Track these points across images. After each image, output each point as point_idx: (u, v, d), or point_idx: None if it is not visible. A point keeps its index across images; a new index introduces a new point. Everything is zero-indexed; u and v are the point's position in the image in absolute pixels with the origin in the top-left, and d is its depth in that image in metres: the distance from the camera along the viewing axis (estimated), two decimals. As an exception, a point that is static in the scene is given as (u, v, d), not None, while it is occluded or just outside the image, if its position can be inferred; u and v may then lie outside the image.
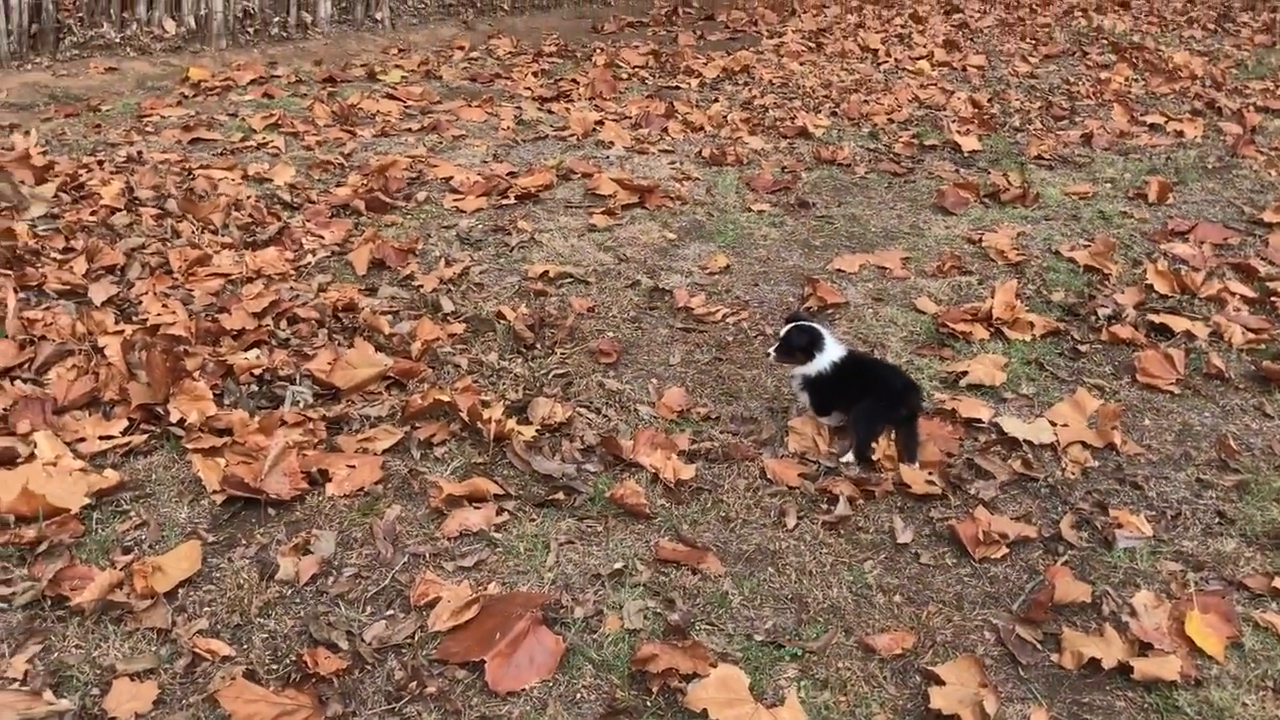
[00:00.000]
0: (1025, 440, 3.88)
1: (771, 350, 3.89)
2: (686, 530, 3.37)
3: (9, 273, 4.79)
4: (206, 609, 2.99)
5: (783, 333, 3.83)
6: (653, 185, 6.32)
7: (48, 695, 2.65)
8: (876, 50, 10.64)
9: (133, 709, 2.63)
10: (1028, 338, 4.63)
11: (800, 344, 3.77)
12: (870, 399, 3.70)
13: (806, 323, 3.85)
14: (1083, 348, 4.59)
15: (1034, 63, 10.39)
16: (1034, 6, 13.76)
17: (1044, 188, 6.60)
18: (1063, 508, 3.56)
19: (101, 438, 3.73)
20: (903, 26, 12.02)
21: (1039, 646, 2.97)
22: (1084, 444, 3.89)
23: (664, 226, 5.86)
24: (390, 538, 3.29)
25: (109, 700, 2.66)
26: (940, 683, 2.79)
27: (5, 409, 3.84)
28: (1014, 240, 5.71)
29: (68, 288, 4.75)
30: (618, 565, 3.18)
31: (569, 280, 5.15)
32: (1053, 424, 3.97)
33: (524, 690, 2.75)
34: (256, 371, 4.11)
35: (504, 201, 6.12)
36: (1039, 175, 6.88)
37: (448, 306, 4.78)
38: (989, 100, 8.76)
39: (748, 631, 2.97)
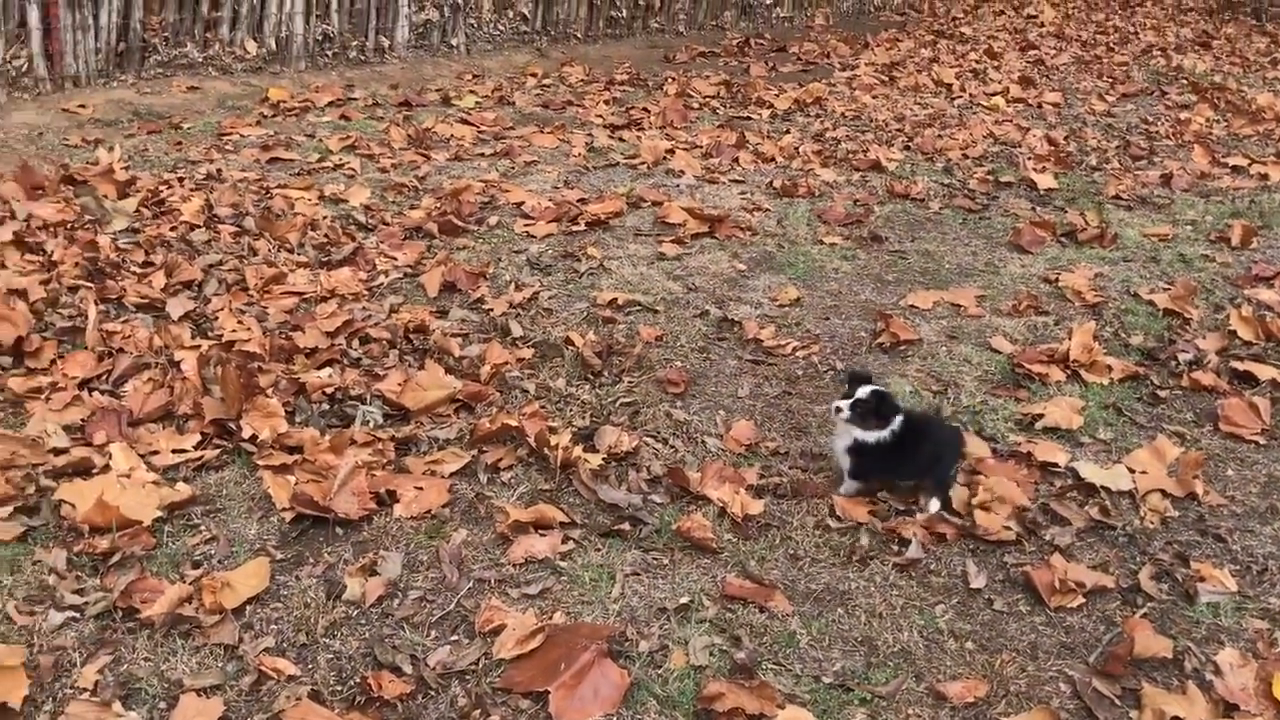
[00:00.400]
0: (1103, 486, 3.78)
1: (846, 408, 3.54)
2: (754, 567, 3.32)
3: (90, 285, 4.89)
4: (273, 627, 3.00)
5: (861, 393, 3.54)
6: (723, 215, 6.30)
7: (117, 707, 2.66)
8: (951, 85, 10.56)
9: (199, 723, 2.64)
10: (1106, 381, 4.53)
11: (885, 411, 3.54)
12: (949, 456, 3.66)
13: (882, 388, 3.64)
14: (1162, 393, 4.48)
15: (1111, 101, 10.25)
16: (1111, 45, 13.59)
17: (1122, 228, 6.48)
18: (1141, 558, 3.46)
19: (174, 451, 3.77)
20: (977, 62, 11.92)
21: (1117, 702, 2.87)
22: (1164, 493, 3.78)
23: (734, 257, 5.83)
24: (456, 562, 3.28)
25: (176, 715, 2.66)
26: (1014, 735, 2.72)
27: (83, 419, 3.90)
28: (1091, 281, 5.60)
29: (146, 301, 4.83)
30: (684, 600, 3.14)
31: (637, 308, 5.13)
32: (1131, 471, 3.87)
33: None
34: (328, 390, 4.14)
35: (574, 228, 6.14)
36: (1117, 215, 6.75)
37: (517, 331, 4.78)
38: (1065, 138, 8.64)
39: (816, 673, 2.91)
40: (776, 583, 3.24)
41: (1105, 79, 11.34)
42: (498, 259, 5.64)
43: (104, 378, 4.20)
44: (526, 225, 6.12)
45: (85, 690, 2.73)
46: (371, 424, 4.00)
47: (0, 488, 3.45)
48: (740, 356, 4.70)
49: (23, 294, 4.66)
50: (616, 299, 5.16)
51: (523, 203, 6.44)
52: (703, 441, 4.02)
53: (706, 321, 5.03)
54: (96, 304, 4.65)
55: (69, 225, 5.56)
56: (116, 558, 3.20)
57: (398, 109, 8.71)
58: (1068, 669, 2.98)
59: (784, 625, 3.08)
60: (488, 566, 3.29)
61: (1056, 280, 5.63)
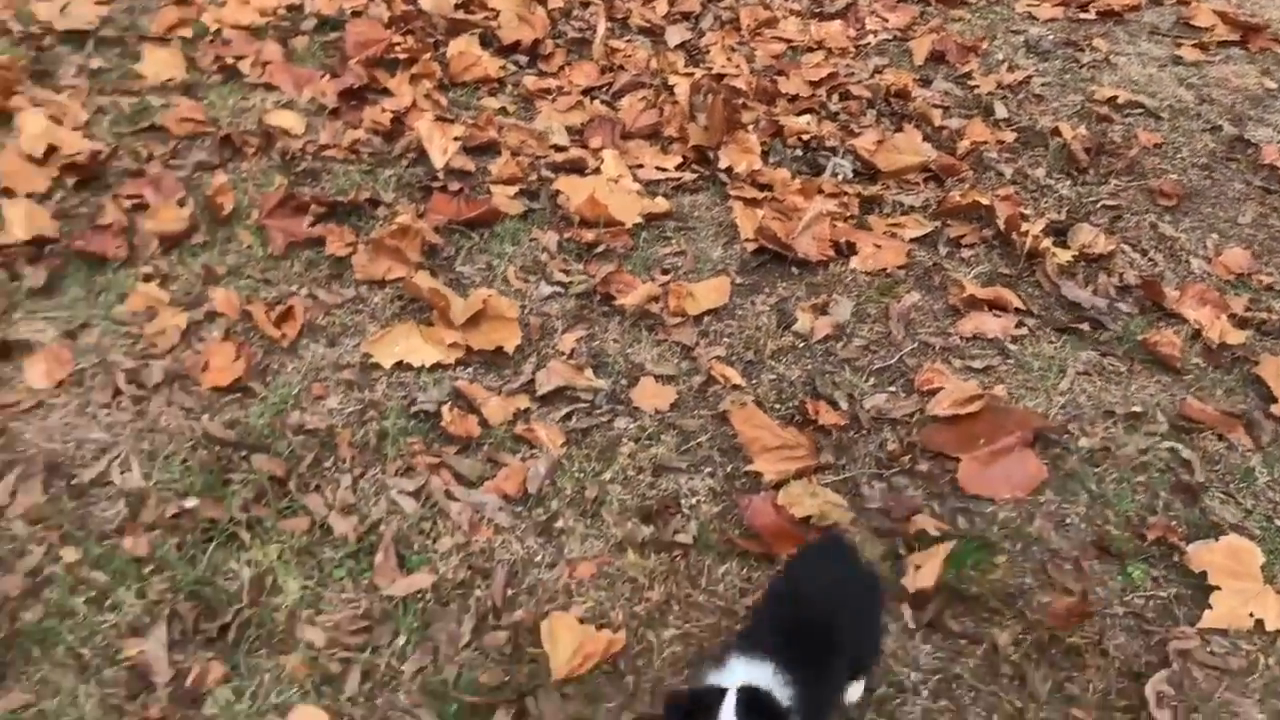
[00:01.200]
0: None
1: None
2: (1220, 397, 3.09)
3: (601, 2, 5.16)
4: (725, 340, 3.20)
5: None
6: (1261, 25, 5.53)
7: (588, 373, 2.99)
8: None
9: (654, 404, 2.92)
10: None
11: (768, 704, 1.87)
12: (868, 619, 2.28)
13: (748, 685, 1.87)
14: None
15: None
16: None
17: None
18: None
19: (658, 168, 4.00)
20: None
21: None
22: None
23: (1264, 73, 5.14)
24: (904, 321, 3.30)
25: (636, 391, 2.96)
26: None
27: (582, 124, 4.22)
28: None
29: (648, 25, 5.04)
30: (1136, 409, 3.00)
31: (1139, 111, 4.70)
32: None
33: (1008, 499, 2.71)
34: (804, 137, 4.19)
35: (1083, 15, 5.63)
36: None
37: (1001, 113, 4.55)
38: None
39: (1268, 513, 2.72)
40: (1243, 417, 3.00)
41: None
42: (993, 36, 5.32)
43: (604, 90, 4.49)
44: (1030, 5, 5.69)
45: (563, 353, 3.08)
46: (841, 177, 4.02)
47: (510, 169, 3.85)
48: (1249, 181, 4.22)
49: (542, 1, 5.02)
50: (1116, 97, 4.74)
51: (1031, -20, 5.98)
52: (1187, 261, 3.70)
53: (1216, 138, 4.52)
54: (605, 21, 4.92)
55: (590, -56, 5.84)
56: (599, 249, 3.51)
57: None
58: None
59: (1243, 460, 2.87)
60: (934, 333, 3.29)
61: None
